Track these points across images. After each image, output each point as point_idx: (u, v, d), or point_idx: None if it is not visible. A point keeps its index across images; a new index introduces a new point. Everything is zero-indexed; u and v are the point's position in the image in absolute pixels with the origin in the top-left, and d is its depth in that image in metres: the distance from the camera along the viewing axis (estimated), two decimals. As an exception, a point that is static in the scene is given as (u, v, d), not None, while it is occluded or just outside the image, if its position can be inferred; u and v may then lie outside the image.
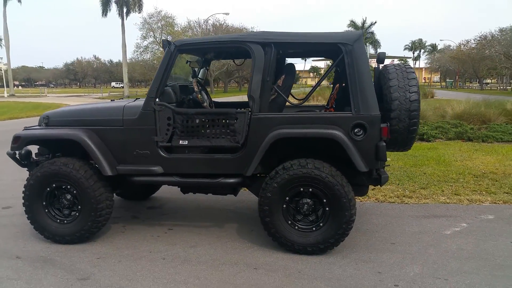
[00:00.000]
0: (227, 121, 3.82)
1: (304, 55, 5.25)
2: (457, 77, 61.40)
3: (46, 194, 4.02)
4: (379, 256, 3.75)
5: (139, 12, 40.02)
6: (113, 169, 3.95)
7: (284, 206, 3.73)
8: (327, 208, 3.66)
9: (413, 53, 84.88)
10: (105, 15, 39.69)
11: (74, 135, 3.93)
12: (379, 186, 3.99)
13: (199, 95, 4.27)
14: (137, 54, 40.93)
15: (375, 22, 59.31)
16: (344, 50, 3.66)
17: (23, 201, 4.05)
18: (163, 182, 4.16)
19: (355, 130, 3.63)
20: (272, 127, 3.71)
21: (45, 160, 4.37)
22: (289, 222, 3.75)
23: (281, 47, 3.84)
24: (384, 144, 3.62)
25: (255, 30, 48.28)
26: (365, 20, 56.37)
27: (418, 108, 3.73)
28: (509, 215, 4.83)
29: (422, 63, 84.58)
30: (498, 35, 39.20)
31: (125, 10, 39.54)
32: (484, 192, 5.68)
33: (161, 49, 38.74)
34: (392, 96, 3.69)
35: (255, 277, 3.37)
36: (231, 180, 3.91)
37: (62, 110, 4.45)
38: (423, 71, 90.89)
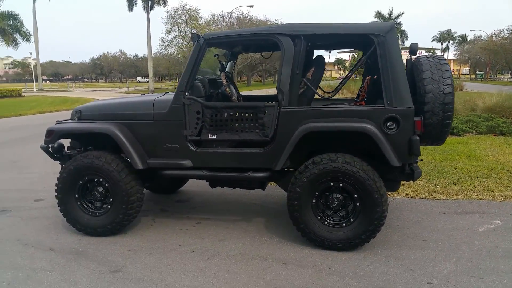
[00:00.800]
0: (256, 114, 3.80)
1: (333, 47, 5.16)
2: (487, 69, 59.53)
3: (79, 187, 4.11)
4: (411, 253, 3.67)
5: (164, 6, 40.36)
6: (143, 162, 4.00)
7: (314, 201, 3.69)
8: (357, 204, 3.60)
9: (442, 45, 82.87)
10: (131, 9, 40.26)
11: (105, 129, 3.98)
12: (411, 181, 3.90)
13: (228, 89, 4.26)
14: (162, 49, 41.29)
15: (402, 13, 58.33)
16: (376, 41, 3.58)
17: (55, 193, 4.14)
18: (191, 176, 4.19)
19: (388, 124, 3.55)
20: (301, 121, 3.66)
21: (77, 153, 4.45)
22: (319, 217, 3.71)
23: (311, 39, 3.78)
24: (418, 138, 3.53)
25: (279, 23, 48.08)
26: (392, 11, 55.35)
27: (453, 101, 3.62)
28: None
29: (451, 54, 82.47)
30: (532, 24, 37.91)
31: (149, 4, 39.92)
32: (519, 188, 5.49)
33: (185, 43, 39.04)
34: (425, 88, 3.58)
35: (285, 272, 3.36)
36: (260, 174, 3.90)
37: (94, 104, 4.52)
38: (452, 63, 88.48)
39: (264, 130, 3.79)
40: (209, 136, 3.92)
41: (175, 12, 38.65)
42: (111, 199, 4.05)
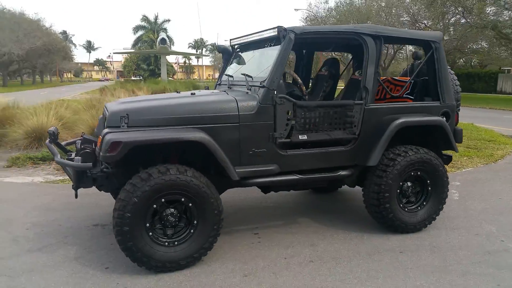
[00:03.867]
0: (346, 113, 3.82)
1: None
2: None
3: (151, 213, 3.19)
4: (469, 229, 4.27)
5: None
6: (236, 172, 3.43)
7: (398, 191, 3.99)
8: (429, 188, 4.10)
9: (196, 51, 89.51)
10: None
11: (196, 136, 3.22)
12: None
13: (303, 87, 4.05)
14: None
15: (169, 20, 60.65)
16: (434, 47, 4.17)
17: (117, 227, 3.09)
18: (280, 182, 3.77)
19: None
20: (382, 117, 3.92)
21: (105, 173, 3.43)
22: (401, 205, 4.03)
23: (386, 41, 4.04)
24: (461, 128, 4.31)
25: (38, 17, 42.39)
26: (157, 16, 56.48)
27: (460, 98, 4.59)
28: (468, 178, 6.26)
29: (207, 60, 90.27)
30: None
31: None
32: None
33: None
34: None
35: (413, 259, 3.55)
36: (347, 172, 3.94)
37: (148, 106, 3.45)
38: (204, 68, 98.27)
39: (352, 128, 3.85)
40: (300, 137, 3.69)
41: None
42: (195, 221, 3.31)
